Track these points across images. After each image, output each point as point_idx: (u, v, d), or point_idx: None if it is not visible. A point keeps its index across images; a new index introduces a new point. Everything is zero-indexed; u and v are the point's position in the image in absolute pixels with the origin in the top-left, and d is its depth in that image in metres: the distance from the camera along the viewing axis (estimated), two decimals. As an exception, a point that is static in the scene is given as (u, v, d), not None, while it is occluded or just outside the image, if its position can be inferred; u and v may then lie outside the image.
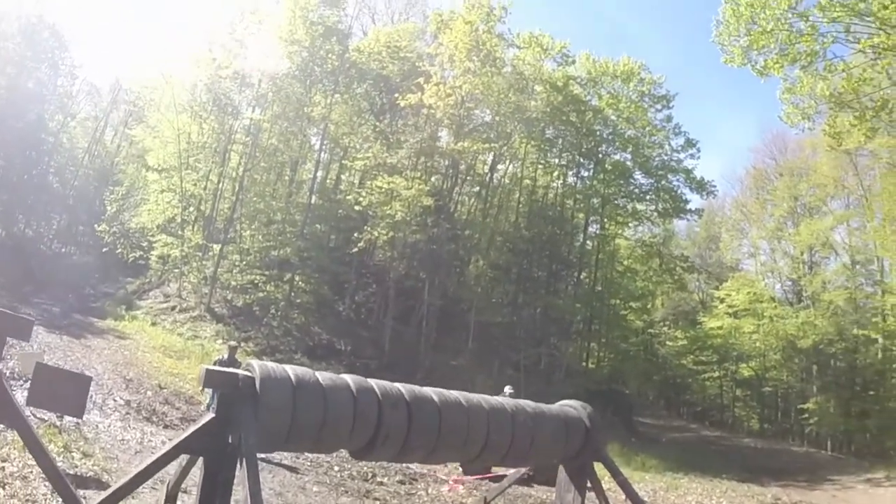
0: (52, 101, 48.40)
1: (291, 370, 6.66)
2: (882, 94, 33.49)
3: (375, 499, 11.91)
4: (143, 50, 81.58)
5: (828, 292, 52.68)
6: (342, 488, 12.34)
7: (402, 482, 13.75)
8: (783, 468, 34.06)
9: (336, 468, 13.83)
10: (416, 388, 7.74)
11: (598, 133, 48.70)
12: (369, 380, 7.35)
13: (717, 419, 63.53)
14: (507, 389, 19.00)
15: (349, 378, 7.16)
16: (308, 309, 35.41)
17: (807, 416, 51.22)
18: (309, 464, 13.78)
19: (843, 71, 31.18)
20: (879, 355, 48.76)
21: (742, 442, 50.75)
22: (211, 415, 6.44)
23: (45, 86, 46.43)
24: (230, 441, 6.25)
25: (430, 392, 7.69)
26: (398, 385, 7.57)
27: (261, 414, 6.17)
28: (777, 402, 62.71)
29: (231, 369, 6.80)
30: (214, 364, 14.10)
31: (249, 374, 6.41)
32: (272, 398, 6.23)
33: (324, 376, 6.91)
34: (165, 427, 15.68)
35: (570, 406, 10.52)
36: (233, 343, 16.96)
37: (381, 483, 13.46)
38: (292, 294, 35.20)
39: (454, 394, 8.03)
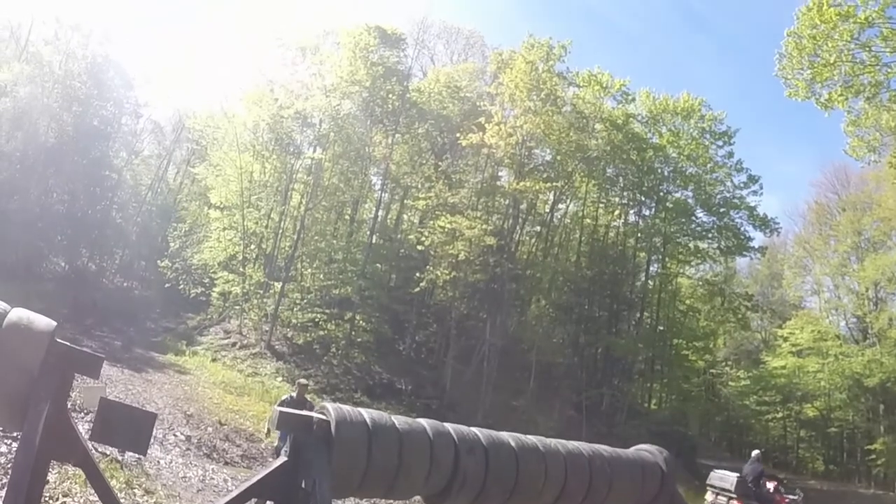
0: (116, 138, 49.24)
1: (367, 413, 6.47)
2: (947, 124, 32.87)
3: None
4: (205, 89, 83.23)
5: (894, 329, 51.51)
6: None
7: None
8: None
9: None
10: (493, 432, 7.42)
11: (658, 171, 48.36)
12: (445, 424, 7.05)
13: (780, 460, 62.10)
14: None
15: (425, 422, 6.87)
16: (368, 348, 35.36)
17: (874, 456, 49.99)
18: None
19: (907, 101, 30.66)
20: (951, 394, 47.61)
21: (808, 484, 49.76)
22: (283, 458, 6.24)
23: (110, 123, 47.17)
24: (303, 486, 6.02)
25: (507, 437, 7.42)
26: (474, 429, 7.26)
27: (335, 458, 5.98)
28: (843, 442, 61.41)
29: (305, 412, 6.65)
30: (282, 402, 14.01)
31: (324, 416, 6.19)
32: (348, 443, 6.05)
33: (399, 420, 6.68)
34: (226, 464, 15.60)
35: (645, 450, 10.05)
36: (303, 381, 16.63)
37: None
38: (352, 333, 35.20)
39: (531, 438, 7.76)
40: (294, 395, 15.30)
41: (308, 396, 26.70)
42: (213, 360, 32.35)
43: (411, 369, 36.08)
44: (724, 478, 22.34)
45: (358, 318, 35.52)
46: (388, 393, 32.75)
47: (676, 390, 52.18)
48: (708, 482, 23.49)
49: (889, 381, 49.66)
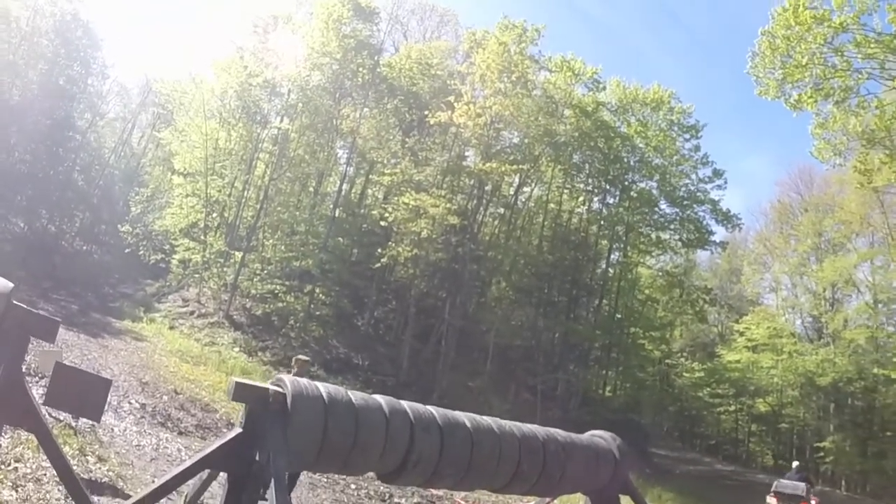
0: (81, 99, 48.52)
1: (324, 388, 6.43)
2: (915, 132, 33.29)
3: None
4: (174, 52, 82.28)
5: (849, 330, 52.74)
6: None
7: (419, 503, 13.69)
8: None
9: (353, 486, 13.71)
10: (449, 412, 7.49)
11: (625, 160, 48.67)
12: (402, 401, 7.12)
13: (730, 453, 63.24)
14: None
15: (381, 399, 6.93)
16: (327, 322, 35.30)
17: (823, 454, 51.30)
18: (325, 481, 13.60)
19: (877, 108, 30.96)
20: (899, 396, 48.14)
21: (756, 478, 50.41)
22: (238, 430, 6.18)
23: (75, 83, 46.48)
24: (257, 458, 6.06)
25: (463, 417, 7.45)
26: (430, 408, 7.32)
27: (291, 433, 5.98)
28: (793, 439, 62.38)
29: (263, 384, 6.47)
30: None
31: (280, 389, 6.18)
32: (304, 417, 6.02)
33: (356, 396, 6.70)
34: (180, 434, 15.50)
35: (600, 436, 10.22)
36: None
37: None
38: (312, 306, 35.12)
39: (487, 419, 7.81)
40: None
41: (257, 368, 26.64)
42: (171, 327, 32.07)
43: (369, 345, 36.04)
44: (796, 487, 25.26)
45: (318, 291, 35.45)
46: (344, 368, 32.70)
47: (631, 379, 52.71)
48: (776, 490, 25.05)
49: (841, 381, 50.62)
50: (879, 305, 53.27)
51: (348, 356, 34.25)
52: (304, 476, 12.72)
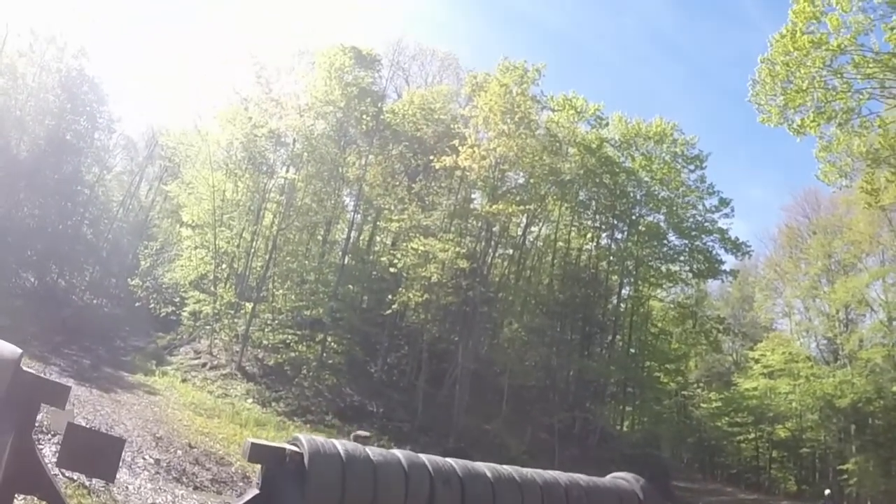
0: (88, 153, 48.80)
1: (341, 445, 6.39)
2: (919, 148, 33.33)
3: None
4: (179, 106, 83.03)
5: (865, 350, 52.44)
6: None
7: None
8: None
9: None
10: (469, 463, 7.43)
11: (631, 194, 48.90)
12: (421, 455, 7.03)
13: (752, 481, 62.68)
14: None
15: (400, 453, 6.87)
16: (340, 370, 35.31)
17: (846, 476, 50.60)
18: None
19: (880, 127, 31.04)
20: (921, 413, 47.78)
21: (780, 504, 50.36)
22: (255, 491, 6.20)
23: (82, 138, 46.78)
24: None
25: (483, 467, 7.39)
26: (450, 460, 7.22)
27: (309, 492, 5.89)
28: (815, 463, 62.24)
29: (280, 444, 6.42)
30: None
31: (297, 448, 6.13)
32: (321, 475, 5.94)
33: (374, 452, 6.65)
34: (196, 489, 15.38)
35: (622, 478, 10.05)
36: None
37: None
38: (324, 354, 35.12)
39: (507, 469, 7.73)
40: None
41: (271, 419, 26.48)
42: (183, 380, 31.91)
43: (383, 392, 35.95)
44: None
45: (329, 339, 35.50)
46: (359, 416, 32.53)
47: (649, 412, 52.25)
48: None
49: (860, 401, 50.34)
50: (894, 323, 53.11)
51: (362, 403, 34.09)
52: None
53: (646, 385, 50.40)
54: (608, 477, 9.93)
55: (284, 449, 6.10)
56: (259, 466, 6.12)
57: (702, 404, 67.44)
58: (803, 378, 53.87)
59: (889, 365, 50.39)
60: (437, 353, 39.18)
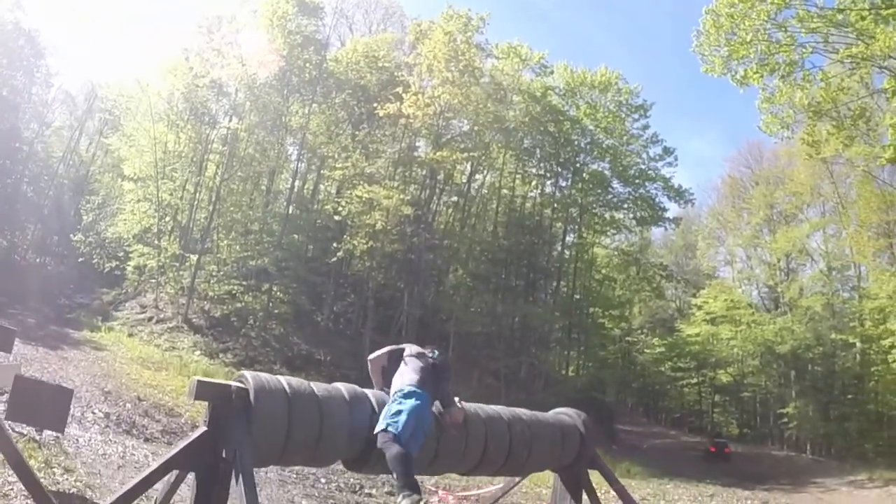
0: (27, 109, 47.96)
1: (286, 381, 6.35)
2: (860, 103, 33.93)
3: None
4: (119, 58, 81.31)
5: (805, 298, 53.66)
6: (331, 500, 12.21)
7: (390, 493, 13.08)
8: (765, 472, 34.68)
9: (323, 480, 13.61)
10: None
11: (576, 143, 49.10)
12: (365, 389, 7.05)
13: (695, 425, 64.22)
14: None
15: (343, 387, 6.83)
16: (286, 319, 35.31)
17: (786, 420, 52.26)
18: (295, 477, 13.45)
19: (822, 80, 31.53)
20: (857, 359, 49.87)
21: (722, 447, 51.43)
22: (203, 429, 6.08)
23: (20, 94, 45.90)
24: (223, 456, 6.01)
25: None
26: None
27: (256, 428, 5.92)
28: (756, 407, 63.68)
29: (225, 382, 6.41)
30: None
31: (242, 385, 6.10)
32: (267, 411, 5.96)
33: (319, 387, 6.60)
34: (147, 440, 15.37)
35: (564, 414, 10.15)
36: None
37: (370, 495, 13.35)
38: (270, 305, 35.08)
39: None
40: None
41: (219, 370, 26.53)
42: (130, 335, 31.75)
43: (330, 340, 36.09)
44: None
45: (275, 289, 35.37)
46: (307, 364, 32.60)
47: (593, 358, 53.23)
48: None
49: (800, 348, 51.55)
50: (833, 273, 54.24)
51: (310, 352, 34.27)
52: (274, 473, 12.84)
53: (590, 331, 51.23)
54: (551, 412, 10.09)
55: (230, 386, 6.13)
56: (206, 407, 6.12)
57: (645, 350, 68.46)
58: (745, 325, 54.97)
59: (828, 313, 51.67)
60: (384, 300, 39.42)
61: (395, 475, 6.07)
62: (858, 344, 48.54)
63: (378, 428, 6.22)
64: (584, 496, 9.85)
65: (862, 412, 49.33)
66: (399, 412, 6.31)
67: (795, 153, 47.44)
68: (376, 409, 6.72)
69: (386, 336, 37.22)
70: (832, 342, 51.03)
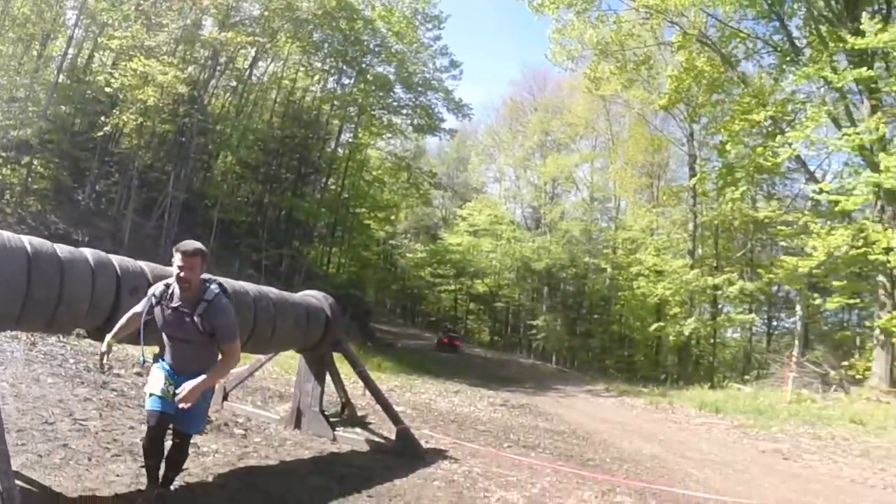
0: None
1: (27, 239, 6.18)
2: (646, 50, 38.30)
3: (112, 389, 11.41)
4: None
5: (565, 222, 59.46)
6: (78, 380, 11.70)
7: (139, 374, 13.02)
8: (511, 377, 38.09)
9: (71, 360, 13.24)
10: (159, 266, 7.41)
11: (365, 43, 49.80)
12: (112, 256, 7.01)
13: (460, 334, 66.76)
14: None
15: (89, 252, 6.80)
16: (45, 196, 34.65)
17: (535, 332, 58.61)
18: (43, 356, 13.08)
19: (615, 23, 35.45)
20: (606, 283, 55.67)
21: (473, 351, 55.65)
22: None
23: None
24: None
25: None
26: (141, 263, 7.26)
27: None
28: (508, 317, 69.63)
29: None
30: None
31: None
32: (4, 269, 5.71)
33: (62, 248, 6.54)
34: None
35: (312, 296, 11.04)
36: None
37: (119, 375, 12.92)
38: (29, 179, 34.19)
39: None
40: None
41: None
42: None
43: (90, 220, 35.81)
44: None
45: (36, 163, 34.50)
46: (64, 244, 31.98)
47: (356, 257, 56.36)
48: None
49: (555, 266, 56.75)
50: (595, 202, 59.64)
51: (68, 232, 33.17)
52: (20, 353, 12.86)
53: (355, 230, 53.80)
54: (299, 294, 11.15)
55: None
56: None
57: (408, 254, 72.84)
58: (505, 240, 59.70)
59: (584, 238, 57.13)
60: (149, 181, 39.49)
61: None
62: (609, 269, 54.10)
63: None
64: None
65: (606, 331, 55.44)
66: None
67: (577, 86, 51.62)
68: (120, 275, 6.81)
69: (148, 219, 38.06)
70: (585, 265, 56.76)
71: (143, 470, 6.37)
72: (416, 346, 51.61)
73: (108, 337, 6.06)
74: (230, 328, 6.05)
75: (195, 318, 5.85)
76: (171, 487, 6.31)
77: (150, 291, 6.06)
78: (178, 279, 5.81)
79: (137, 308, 6.02)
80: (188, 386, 5.64)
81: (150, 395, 5.94)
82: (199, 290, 5.93)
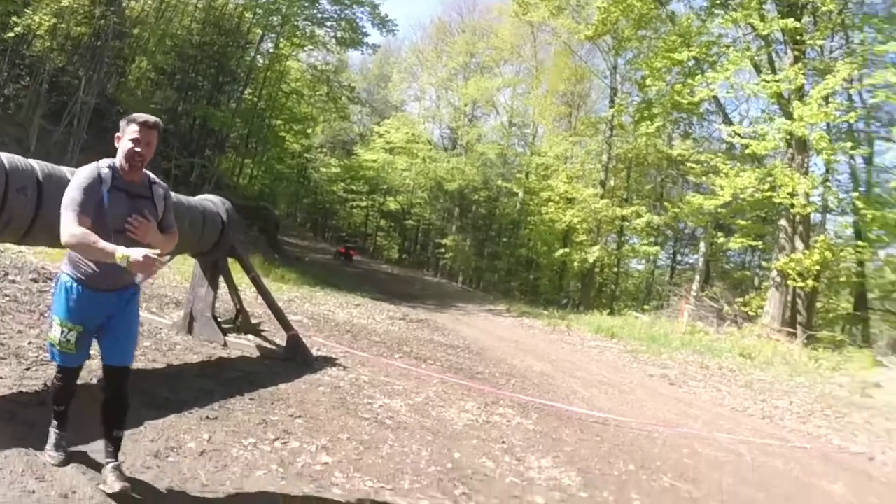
0: None
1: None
2: (577, -22, 38.33)
3: (6, 295, 11.18)
4: None
5: (482, 145, 59.62)
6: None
7: (35, 280, 12.98)
8: (415, 293, 38.46)
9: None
10: (54, 167, 6.97)
11: (292, -50, 48.50)
12: (1, 154, 6.56)
13: (359, 245, 68.52)
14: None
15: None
16: (-50, 100, 33.54)
17: (443, 251, 59.20)
18: None
19: (545, -53, 35.39)
20: (517, 207, 56.44)
21: (380, 268, 56.62)
22: None
23: None
24: None
25: (68, 173, 6.77)
26: (32, 162, 6.75)
27: None
28: (418, 236, 70.50)
29: None
30: None
31: None
32: None
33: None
34: None
35: (209, 200, 10.86)
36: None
37: (14, 281, 12.64)
38: (-68, 81, 33.34)
39: None
40: None
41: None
42: None
43: (-4, 126, 35.18)
44: None
45: None
46: None
47: (269, 169, 55.91)
48: None
49: (467, 188, 57.51)
50: (513, 127, 60.39)
51: None
52: None
53: (269, 142, 53.31)
54: (197, 197, 10.97)
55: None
56: None
57: (322, 168, 72.75)
58: (421, 159, 59.99)
59: (499, 162, 57.88)
60: (59, 85, 38.60)
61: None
62: (521, 194, 54.89)
63: None
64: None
65: (513, 254, 56.54)
66: None
67: (506, 10, 51.95)
68: (8, 174, 6.33)
69: (57, 125, 37.49)
70: (498, 188, 57.63)
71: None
72: (324, 260, 51.69)
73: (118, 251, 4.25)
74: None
75: (155, 203, 5.03)
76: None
77: (89, 174, 4.78)
78: (132, 155, 4.86)
79: (79, 199, 4.53)
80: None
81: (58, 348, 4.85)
82: (143, 174, 5.03)
